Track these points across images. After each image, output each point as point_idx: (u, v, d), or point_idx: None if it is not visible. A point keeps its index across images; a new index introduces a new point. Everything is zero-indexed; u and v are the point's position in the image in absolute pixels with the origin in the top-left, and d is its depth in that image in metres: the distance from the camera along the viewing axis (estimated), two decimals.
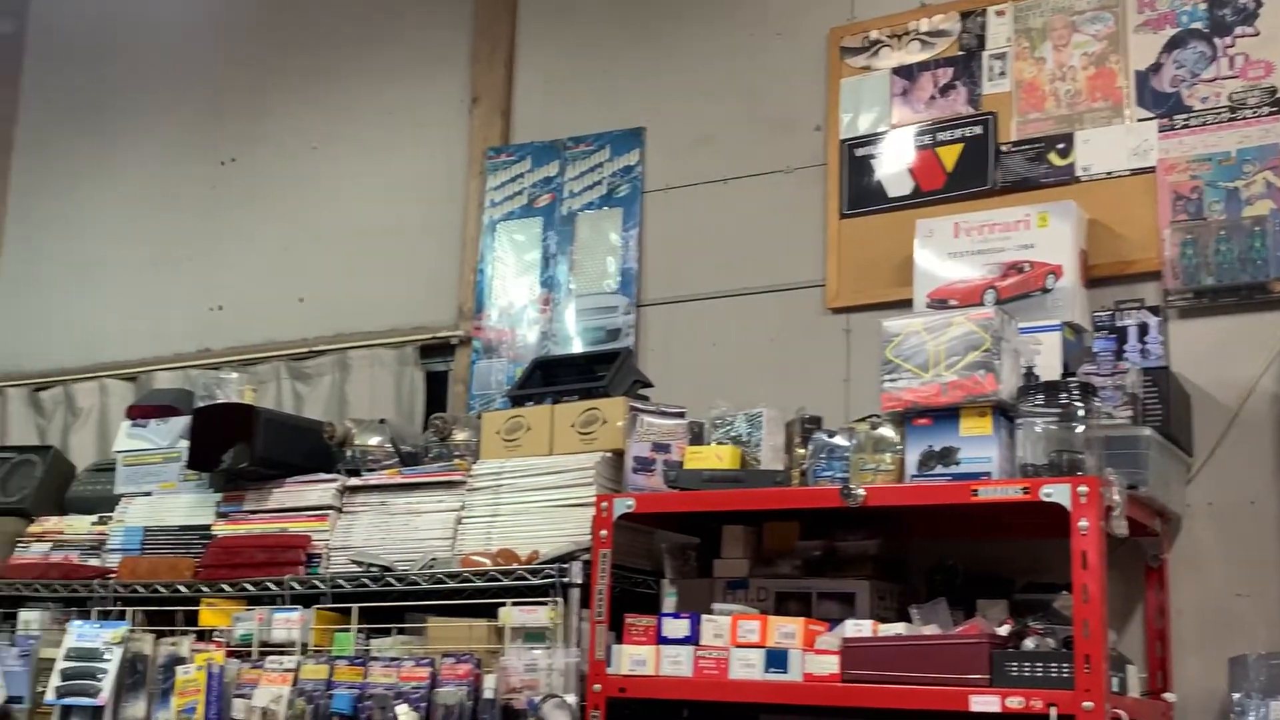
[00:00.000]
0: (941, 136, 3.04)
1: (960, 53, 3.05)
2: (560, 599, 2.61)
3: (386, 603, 2.86)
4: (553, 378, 3.05)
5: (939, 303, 2.79)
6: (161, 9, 4.22)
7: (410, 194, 3.71)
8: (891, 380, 2.38)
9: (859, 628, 2.36)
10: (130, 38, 4.27)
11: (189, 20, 4.16)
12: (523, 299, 3.50)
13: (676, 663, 2.46)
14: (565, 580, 2.61)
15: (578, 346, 3.37)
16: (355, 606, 2.86)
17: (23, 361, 4.21)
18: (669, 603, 2.63)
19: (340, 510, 3.07)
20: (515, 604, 2.64)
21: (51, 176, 4.33)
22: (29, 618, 3.26)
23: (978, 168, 2.98)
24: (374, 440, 3.17)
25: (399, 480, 3.01)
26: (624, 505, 2.59)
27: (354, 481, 3.08)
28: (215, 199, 4.01)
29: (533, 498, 2.82)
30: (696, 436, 2.74)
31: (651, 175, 3.39)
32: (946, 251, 2.85)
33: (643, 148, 3.41)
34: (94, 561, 3.33)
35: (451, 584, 2.76)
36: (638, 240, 3.36)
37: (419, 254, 3.67)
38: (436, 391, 3.58)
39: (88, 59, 4.35)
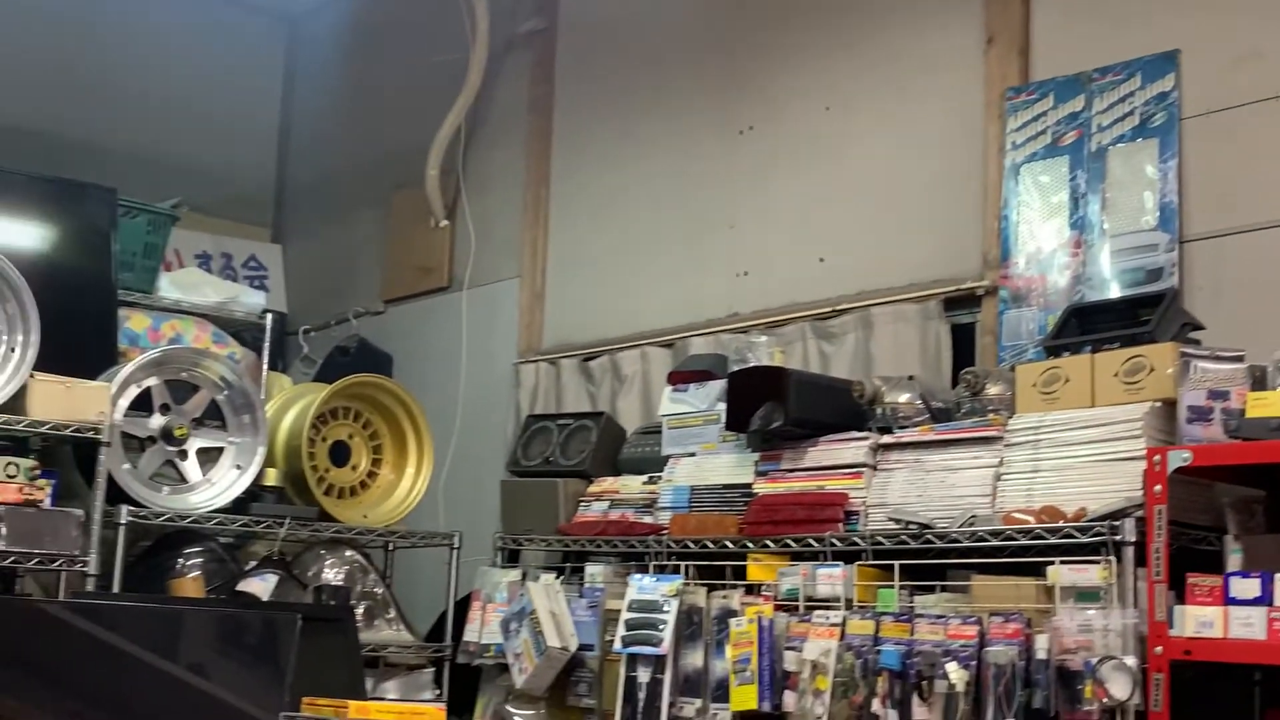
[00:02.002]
0: None
1: None
2: (1113, 557, 2.52)
3: (927, 560, 2.89)
4: (1090, 325, 2.93)
5: None
6: None
7: (925, 145, 3.69)
8: None
9: None
10: (651, 18, 4.52)
11: None
12: (1051, 243, 3.38)
13: (1248, 624, 2.32)
14: (1118, 538, 2.52)
15: (1115, 290, 3.21)
16: (896, 563, 2.91)
17: (573, 334, 4.61)
18: (1234, 560, 2.46)
19: (874, 468, 3.13)
20: (1064, 563, 2.58)
21: (587, 161, 4.69)
22: (594, 571, 3.59)
23: None
24: (903, 397, 3.20)
25: (932, 437, 3.02)
26: (1179, 458, 2.45)
27: (886, 439, 3.13)
28: (735, 168, 4.17)
29: (1075, 452, 2.73)
30: (1259, 381, 2.54)
31: (1189, 100, 3.16)
32: None
33: (1178, 71, 3.18)
34: (647, 519, 3.59)
35: (994, 542, 2.73)
36: (1177, 171, 3.15)
37: (938, 205, 3.64)
38: (963, 345, 3.54)
39: (612, 45, 4.66)
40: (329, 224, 5.84)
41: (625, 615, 3.33)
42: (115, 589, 3.49)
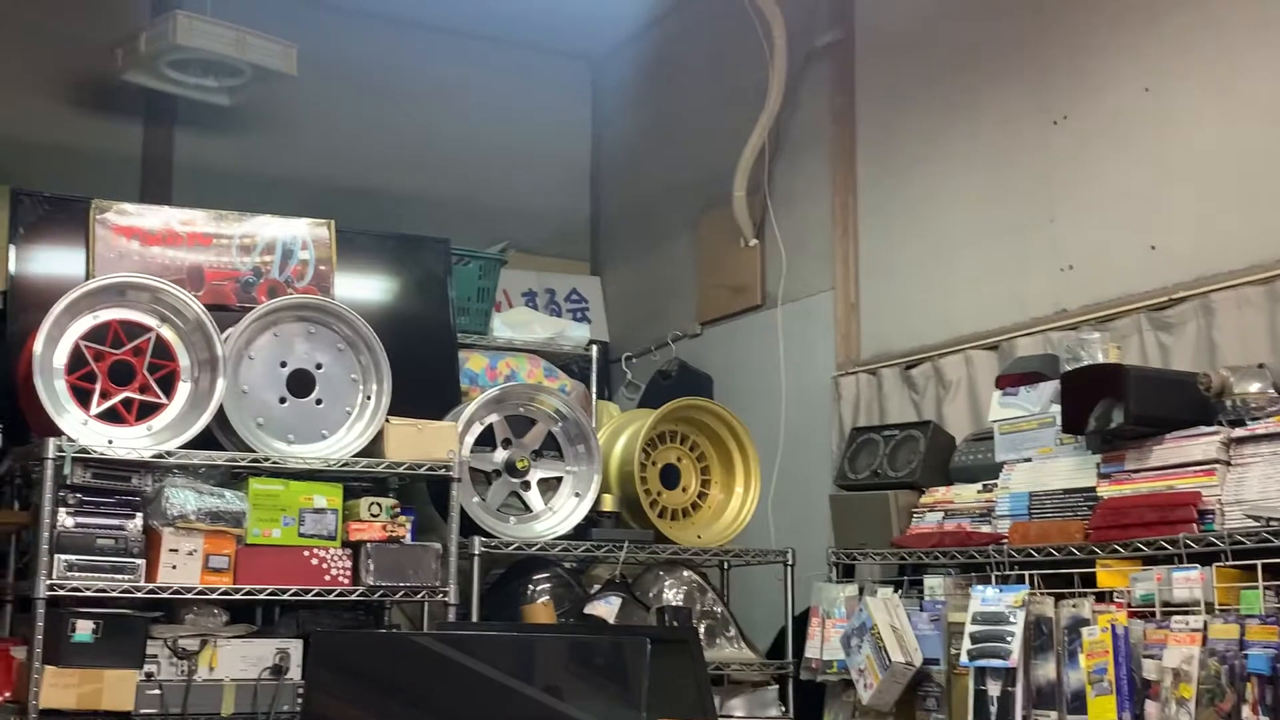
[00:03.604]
0: None
1: None
2: None
3: None
4: None
5: None
6: None
7: (1259, 113, 3.47)
8: None
9: None
10: (951, 16, 4.45)
11: None
12: None
13: None
14: None
15: None
16: (1259, 563, 2.75)
17: (892, 343, 4.58)
18: None
19: (1228, 464, 2.97)
20: None
21: (893, 165, 4.65)
22: (934, 584, 3.55)
23: None
24: (1254, 387, 3.03)
25: None
26: None
27: (1239, 432, 2.96)
28: (1051, 159, 4.05)
29: None
30: None
31: None
32: None
33: None
34: (985, 528, 3.52)
35: None
36: None
37: (1277, 177, 3.41)
38: None
39: (912, 46, 4.61)
40: (643, 252, 6.01)
41: (970, 628, 3.28)
42: (473, 616, 3.72)
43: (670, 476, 4.22)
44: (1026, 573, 3.30)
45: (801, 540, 4.32)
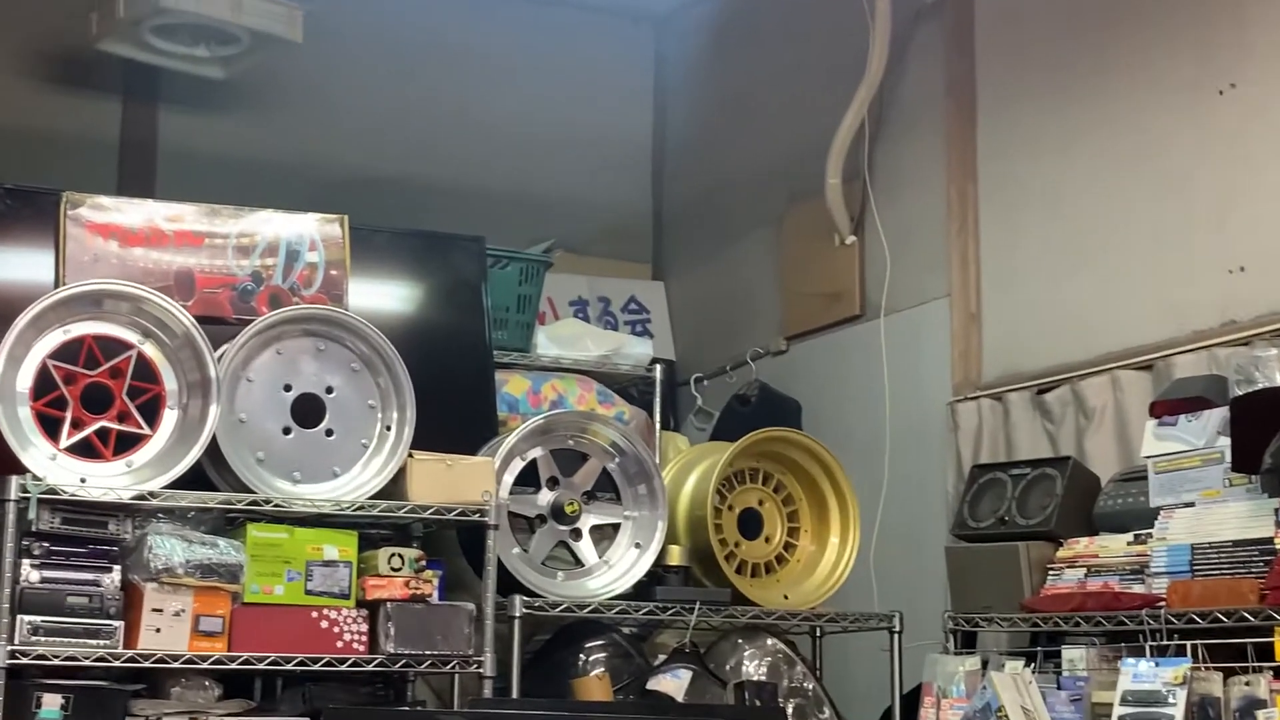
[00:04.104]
0: None
1: None
2: None
3: None
4: None
5: None
6: None
7: None
8: None
9: None
10: None
11: None
12: None
13: None
14: None
15: None
16: None
17: (1020, 361, 4.53)
18: None
19: None
20: None
21: (1021, 145, 4.61)
22: (1074, 656, 3.50)
23: None
24: None
25: None
26: None
27: None
28: (1212, 138, 4.00)
29: None
30: None
31: None
32: None
33: None
34: (1137, 587, 3.48)
35: None
36: None
37: None
38: None
39: (1043, 1, 4.57)
40: (715, 252, 6.01)
41: (1119, 710, 3.24)
42: (513, 691, 3.71)
43: (750, 524, 4.20)
44: (1188, 643, 3.25)
45: (911, 602, 4.28)
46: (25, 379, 3.38)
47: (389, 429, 3.73)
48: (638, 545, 4.01)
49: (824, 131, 5.12)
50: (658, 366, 4.62)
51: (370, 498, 3.65)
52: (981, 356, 4.69)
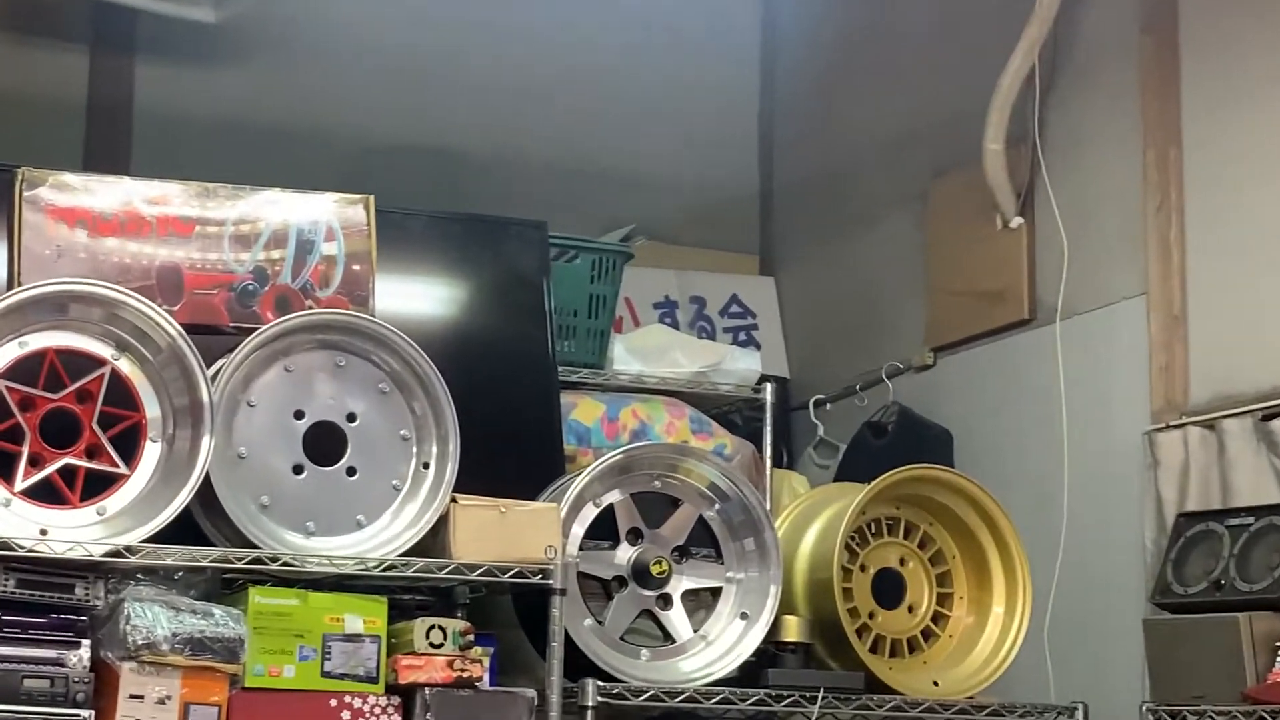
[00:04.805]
0: None
1: None
2: None
3: None
4: None
5: None
6: None
7: None
8: None
9: None
10: None
11: None
12: None
13: None
14: None
15: None
16: None
17: (1239, 379, 4.47)
18: None
19: None
20: None
21: (1240, 95, 4.55)
22: None
23: None
24: None
25: None
26: None
27: None
28: None
29: None
30: None
31: None
32: None
33: None
34: None
35: None
36: None
37: None
38: None
39: None
40: (840, 240, 5.99)
41: None
42: None
43: (890, 588, 4.19)
44: None
45: (1099, 689, 4.28)
46: None
47: (426, 466, 3.75)
48: (744, 616, 4.02)
49: (980, 84, 5.09)
50: (767, 386, 4.61)
51: (403, 554, 3.67)
52: (1188, 372, 4.64)
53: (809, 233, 6.19)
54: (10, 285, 3.65)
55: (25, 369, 3.47)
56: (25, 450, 3.44)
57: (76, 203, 3.81)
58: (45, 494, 3.45)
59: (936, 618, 4.23)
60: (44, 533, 3.41)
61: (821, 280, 6.09)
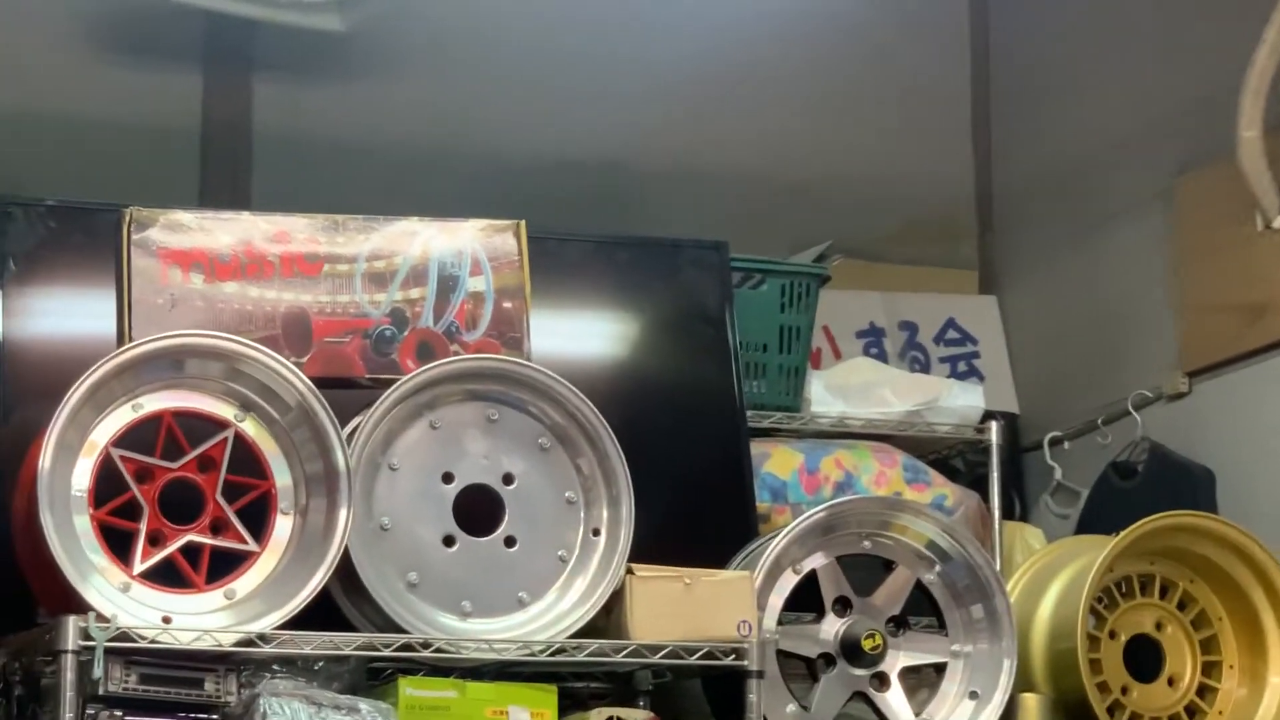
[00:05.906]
0: None
1: None
2: None
3: None
4: None
5: None
6: None
7: None
8: None
9: None
10: None
11: None
12: None
13: None
14: None
15: None
16: None
17: None
18: None
19: None
20: None
21: None
22: None
23: None
24: None
25: None
26: None
27: None
28: None
29: None
30: None
31: None
32: None
33: None
34: None
35: None
36: None
37: None
38: None
39: None
40: (1073, 250, 5.94)
41: None
42: None
43: (1145, 658, 4.17)
44: None
45: None
46: (82, 478, 3.49)
47: (597, 533, 3.78)
48: (973, 695, 4.01)
49: (1230, 62, 5.03)
50: (993, 424, 4.60)
51: (574, 636, 3.69)
52: None
53: (1035, 243, 6.14)
54: (121, 341, 3.70)
55: (140, 435, 3.54)
56: (143, 527, 3.50)
57: (191, 244, 3.85)
58: (167, 576, 3.51)
59: (1202, 691, 4.21)
60: (167, 621, 3.46)
61: (1052, 298, 6.04)
